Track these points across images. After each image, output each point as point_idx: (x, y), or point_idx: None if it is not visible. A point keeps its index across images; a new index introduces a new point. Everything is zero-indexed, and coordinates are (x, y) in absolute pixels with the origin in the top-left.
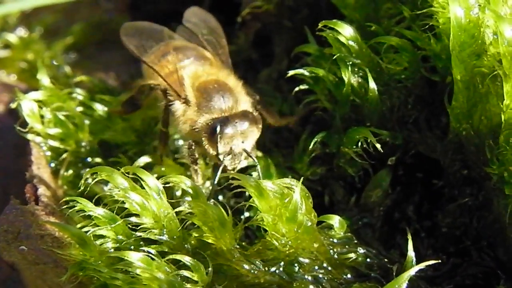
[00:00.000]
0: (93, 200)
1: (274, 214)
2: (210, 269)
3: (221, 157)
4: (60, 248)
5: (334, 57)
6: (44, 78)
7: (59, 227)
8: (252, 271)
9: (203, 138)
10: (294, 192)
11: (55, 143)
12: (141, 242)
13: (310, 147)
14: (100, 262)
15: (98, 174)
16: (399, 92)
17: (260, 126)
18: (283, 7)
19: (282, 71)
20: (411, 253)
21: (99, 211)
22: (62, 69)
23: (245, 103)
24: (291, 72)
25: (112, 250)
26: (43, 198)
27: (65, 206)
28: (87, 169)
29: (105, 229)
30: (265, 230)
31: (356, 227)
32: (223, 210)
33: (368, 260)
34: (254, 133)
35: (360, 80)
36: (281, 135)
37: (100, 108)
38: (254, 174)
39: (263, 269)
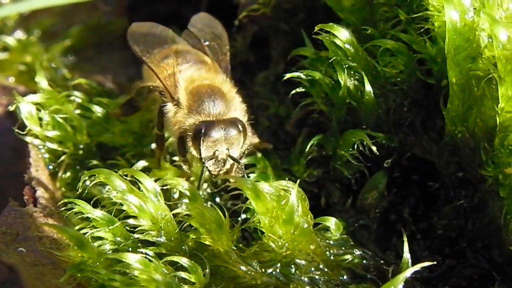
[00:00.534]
0: (91, 202)
1: (270, 216)
2: (207, 270)
3: (204, 160)
4: (59, 249)
5: (330, 60)
6: (42, 81)
7: (58, 229)
8: (249, 272)
9: (187, 140)
10: (290, 194)
11: (53, 146)
12: (139, 244)
13: (307, 149)
14: (98, 263)
15: (96, 176)
16: (395, 95)
17: (249, 135)
18: (280, 10)
19: (278, 74)
20: (407, 254)
21: (97, 213)
22: (60, 71)
23: (237, 111)
24: (287, 75)
25: (110, 251)
26: (41, 200)
27: (63, 208)
28: (85, 171)
29: (103, 231)
30: (262, 232)
31: (353, 228)
32: (220, 212)
33: (364, 261)
34: (241, 141)
35: (356, 83)
36: (278, 137)
37: (98, 111)
38: (252, 175)
39: (260, 271)
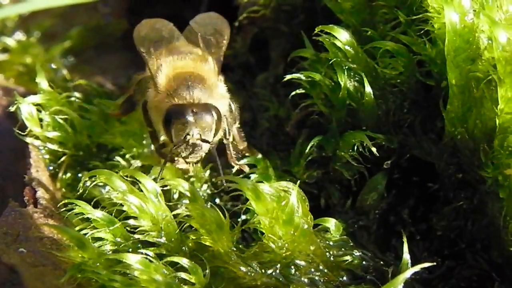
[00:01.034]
0: (92, 203)
1: (271, 217)
2: (207, 271)
3: (175, 144)
4: (59, 250)
5: (331, 61)
6: (42, 82)
7: (58, 229)
8: (249, 273)
9: (161, 123)
10: (290, 195)
11: (54, 146)
12: (139, 245)
13: (307, 150)
14: (98, 264)
15: (97, 177)
16: (394, 96)
17: (223, 124)
18: (280, 12)
19: (278, 75)
20: (406, 255)
21: (97, 214)
22: (60, 72)
23: (217, 99)
24: (287, 77)
25: (110, 252)
26: (42, 201)
27: (63, 209)
28: (86, 172)
29: (104, 231)
30: (262, 233)
31: (352, 230)
32: (220, 213)
33: (364, 262)
34: (213, 128)
35: (356, 85)
36: (277, 138)
37: (98, 112)
38: (253, 176)
39: (260, 272)
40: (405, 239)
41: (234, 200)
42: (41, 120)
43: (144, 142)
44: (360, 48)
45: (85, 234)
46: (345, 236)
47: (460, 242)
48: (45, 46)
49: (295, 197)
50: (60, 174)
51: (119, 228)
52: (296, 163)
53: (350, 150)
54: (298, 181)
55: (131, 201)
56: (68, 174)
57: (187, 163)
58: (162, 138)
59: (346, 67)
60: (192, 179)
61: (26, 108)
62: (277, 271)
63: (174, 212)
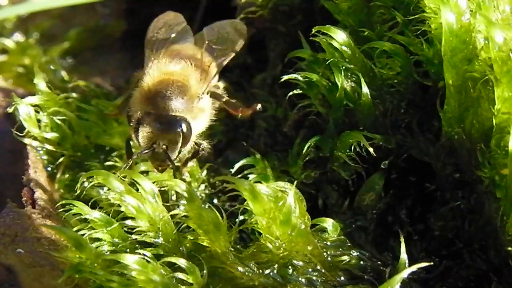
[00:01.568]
0: (89, 204)
1: (268, 217)
2: (205, 271)
3: (141, 150)
4: (57, 251)
5: (328, 62)
6: (41, 83)
7: (56, 230)
8: (246, 273)
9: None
10: (288, 195)
11: (52, 147)
12: (137, 245)
13: (304, 151)
14: (96, 264)
15: (95, 178)
16: (391, 97)
17: (189, 140)
18: (278, 12)
19: (276, 76)
20: (404, 255)
21: (95, 214)
22: (59, 74)
23: (194, 114)
24: (285, 77)
25: (108, 253)
26: (40, 202)
27: (61, 210)
28: (83, 173)
29: (101, 232)
30: (259, 233)
31: (350, 230)
32: (217, 213)
33: (362, 262)
34: (179, 142)
35: (353, 85)
36: (275, 139)
37: (96, 112)
38: (251, 176)
39: (257, 272)
40: (402, 239)
41: (232, 200)
42: (39, 121)
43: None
44: (357, 49)
45: (83, 234)
46: (342, 236)
47: (457, 242)
48: (43, 47)
49: (292, 197)
50: (58, 175)
51: (116, 228)
52: (294, 163)
53: (348, 150)
54: (295, 182)
55: (129, 201)
56: (66, 175)
57: (158, 171)
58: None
59: (343, 67)
60: (189, 180)
61: (24, 109)
62: (275, 271)
63: (172, 213)
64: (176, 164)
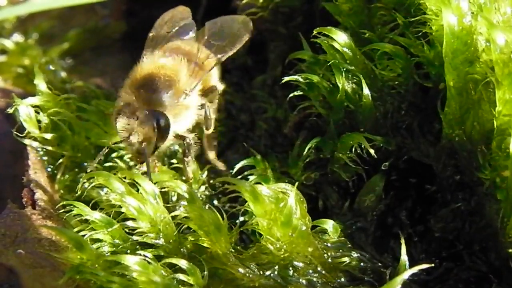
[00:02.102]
0: (90, 205)
1: (269, 218)
2: (205, 272)
3: (121, 140)
4: (57, 251)
5: (329, 63)
6: (41, 84)
7: (56, 231)
8: (247, 274)
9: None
10: (289, 196)
11: (52, 148)
12: (137, 246)
13: (305, 152)
14: (97, 265)
15: (95, 179)
16: (392, 98)
17: (166, 136)
18: (278, 14)
19: (276, 77)
20: (404, 257)
21: (96, 215)
22: (59, 74)
23: (178, 111)
24: (286, 78)
25: (109, 254)
26: (40, 202)
27: (62, 210)
28: (84, 174)
29: (102, 233)
30: (260, 234)
31: (350, 231)
32: (218, 215)
33: (362, 264)
34: (153, 137)
35: (354, 86)
36: (275, 140)
37: (96, 113)
38: (251, 177)
39: (258, 273)
40: (403, 241)
41: (232, 201)
42: (39, 121)
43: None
44: (358, 50)
45: (84, 235)
46: (343, 238)
47: (457, 244)
48: (43, 47)
49: (293, 199)
50: (58, 176)
51: (117, 229)
52: (294, 164)
53: (348, 152)
54: (296, 183)
55: (130, 202)
56: (66, 176)
57: (137, 162)
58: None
59: (344, 69)
60: (190, 181)
61: (25, 109)
62: (275, 272)
63: (172, 214)
64: (178, 165)
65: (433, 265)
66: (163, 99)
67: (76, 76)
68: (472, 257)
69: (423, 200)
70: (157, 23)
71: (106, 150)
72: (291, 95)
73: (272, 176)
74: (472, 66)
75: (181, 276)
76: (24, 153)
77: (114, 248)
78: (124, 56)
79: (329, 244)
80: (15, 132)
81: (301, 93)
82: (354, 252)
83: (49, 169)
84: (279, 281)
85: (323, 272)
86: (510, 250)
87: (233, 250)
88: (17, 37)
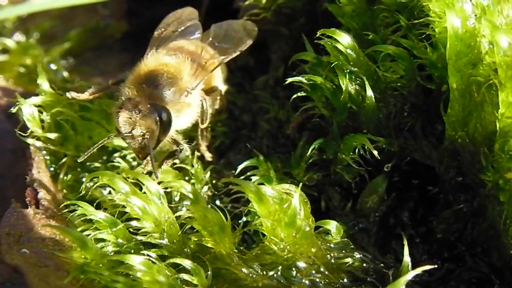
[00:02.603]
0: (94, 204)
1: (273, 219)
2: (209, 272)
3: (121, 134)
4: (61, 251)
5: (332, 65)
6: (44, 83)
7: (61, 230)
8: (250, 275)
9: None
10: (293, 197)
11: (55, 148)
12: (141, 246)
13: (308, 153)
14: (101, 265)
15: (100, 179)
16: (395, 100)
17: (168, 130)
18: (280, 15)
19: (278, 78)
20: (407, 258)
21: (100, 215)
22: (60, 74)
23: (180, 107)
24: (289, 79)
25: (113, 253)
26: (44, 202)
27: (65, 210)
28: (87, 174)
29: (106, 232)
30: (264, 235)
31: (352, 232)
32: (222, 215)
33: (364, 264)
34: (156, 131)
35: (357, 88)
36: (277, 141)
37: (99, 113)
38: (254, 178)
39: (261, 273)
40: (405, 242)
41: (234, 202)
42: (42, 121)
43: None
44: (361, 52)
45: (88, 235)
46: (345, 239)
47: (460, 245)
48: (44, 47)
49: (297, 199)
50: (61, 175)
51: (121, 229)
52: (297, 165)
53: (351, 153)
54: (301, 184)
55: (134, 202)
56: (69, 175)
57: (139, 157)
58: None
59: (348, 70)
60: (192, 181)
61: (28, 109)
62: (278, 272)
63: (176, 214)
64: (181, 165)
65: (435, 266)
66: (165, 95)
67: (77, 75)
68: (474, 258)
69: (425, 201)
70: (164, 22)
71: (103, 143)
72: (295, 96)
73: (275, 177)
74: (475, 68)
75: (185, 276)
76: (27, 153)
77: (118, 248)
78: (125, 56)
79: (332, 245)
80: (18, 132)
81: (304, 94)
82: (356, 253)
83: (51, 169)
84: (282, 281)
85: (326, 272)
86: None
87: (236, 251)
88: (18, 37)
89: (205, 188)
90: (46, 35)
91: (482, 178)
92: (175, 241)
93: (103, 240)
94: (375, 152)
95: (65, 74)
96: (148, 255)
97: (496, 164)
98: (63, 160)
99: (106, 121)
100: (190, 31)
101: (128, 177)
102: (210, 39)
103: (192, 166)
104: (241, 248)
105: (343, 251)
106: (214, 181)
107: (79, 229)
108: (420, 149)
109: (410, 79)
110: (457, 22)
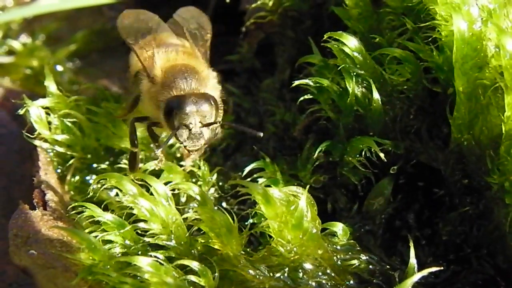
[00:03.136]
0: (102, 206)
1: (280, 221)
2: (216, 274)
3: (177, 134)
4: (69, 252)
5: (339, 67)
6: (51, 85)
7: (69, 231)
8: (257, 276)
9: (161, 115)
10: (299, 199)
11: (62, 149)
12: (148, 248)
13: (314, 155)
14: (109, 266)
15: (107, 180)
16: (401, 103)
17: (220, 111)
18: (287, 17)
19: (284, 80)
20: (413, 260)
21: (107, 217)
22: (66, 75)
23: (210, 88)
24: (296, 82)
25: (120, 255)
26: (51, 203)
27: (73, 212)
28: (94, 175)
29: (113, 234)
30: (271, 237)
31: (359, 234)
32: (229, 217)
33: (371, 266)
34: (213, 114)
35: (364, 91)
36: (284, 143)
37: (105, 115)
38: (260, 180)
39: (268, 275)
40: (411, 244)
41: (240, 204)
42: (49, 123)
43: (151, 145)
44: (368, 55)
45: (95, 236)
46: (351, 241)
47: (465, 247)
48: (50, 49)
49: (304, 201)
50: (68, 177)
51: (129, 231)
52: (303, 167)
53: (358, 156)
54: (308, 186)
55: (142, 204)
56: (77, 177)
57: (188, 151)
58: (165, 125)
59: (354, 73)
60: (199, 183)
61: (35, 111)
62: (285, 274)
63: (184, 216)
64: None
65: (441, 268)
66: (202, 82)
67: (83, 77)
68: (480, 260)
69: (431, 203)
70: (123, 23)
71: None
72: (301, 98)
73: (281, 179)
74: (481, 72)
75: (192, 278)
76: (34, 154)
77: (126, 250)
78: None
79: (338, 247)
80: (25, 133)
81: (310, 96)
82: (362, 255)
83: (59, 170)
84: (289, 283)
85: (332, 274)
86: None
87: (243, 252)
88: (24, 39)
89: (212, 190)
90: (52, 37)
91: (487, 181)
92: (182, 242)
93: (110, 241)
94: (381, 155)
95: (72, 76)
96: (155, 256)
97: (502, 166)
98: (70, 162)
99: (113, 123)
100: (159, 26)
101: (136, 179)
102: (185, 28)
103: (199, 168)
104: (248, 250)
105: (349, 253)
106: (220, 183)
107: (86, 231)
108: (426, 152)
109: (416, 82)
110: (463, 26)
